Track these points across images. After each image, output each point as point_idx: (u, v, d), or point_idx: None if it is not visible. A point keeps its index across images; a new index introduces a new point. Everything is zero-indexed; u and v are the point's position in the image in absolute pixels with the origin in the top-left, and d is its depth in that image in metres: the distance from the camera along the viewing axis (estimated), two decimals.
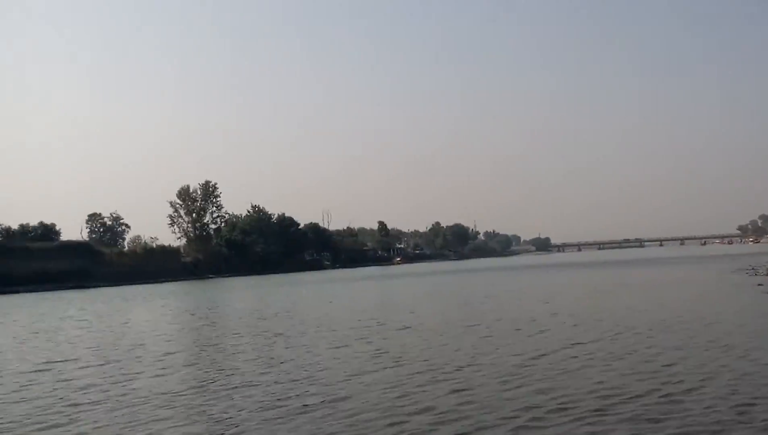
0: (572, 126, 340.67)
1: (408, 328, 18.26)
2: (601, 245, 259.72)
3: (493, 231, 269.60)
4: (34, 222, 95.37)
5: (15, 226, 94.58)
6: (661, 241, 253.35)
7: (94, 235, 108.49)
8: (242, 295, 43.32)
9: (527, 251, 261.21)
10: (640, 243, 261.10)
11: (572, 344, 13.52)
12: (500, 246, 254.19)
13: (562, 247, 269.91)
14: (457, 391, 9.49)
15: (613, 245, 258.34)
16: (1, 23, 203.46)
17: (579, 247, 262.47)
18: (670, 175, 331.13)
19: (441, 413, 8.27)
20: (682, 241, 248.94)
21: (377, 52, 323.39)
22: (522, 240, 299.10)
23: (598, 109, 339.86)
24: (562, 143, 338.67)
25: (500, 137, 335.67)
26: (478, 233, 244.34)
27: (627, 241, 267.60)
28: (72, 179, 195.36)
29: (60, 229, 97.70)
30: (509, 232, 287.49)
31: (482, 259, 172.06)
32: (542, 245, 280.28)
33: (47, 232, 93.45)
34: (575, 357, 11.95)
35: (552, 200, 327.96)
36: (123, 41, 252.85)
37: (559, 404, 8.41)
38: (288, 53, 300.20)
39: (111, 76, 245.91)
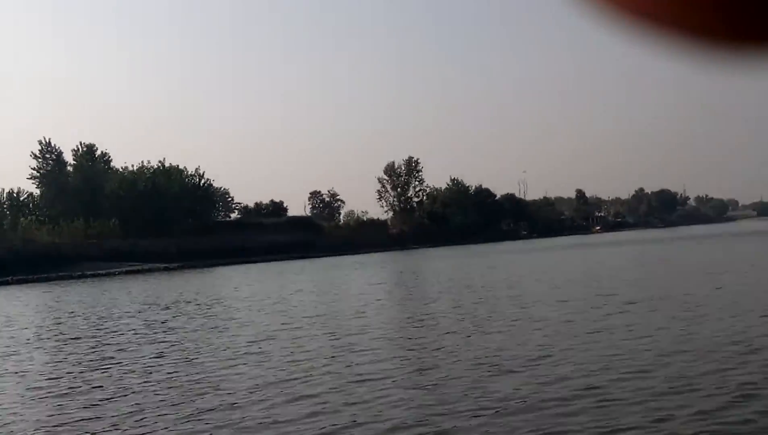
0: None
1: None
2: None
3: (706, 196, 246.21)
4: (266, 200, 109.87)
5: (251, 204, 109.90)
6: None
7: (315, 211, 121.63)
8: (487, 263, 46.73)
9: (747, 217, 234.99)
10: None
11: None
12: (714, 212, 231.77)
13: None
14: None
15: None
16: None
17: None
18: None
19: None
20: None
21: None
22: (740, 204, 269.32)
23: None
24: None
25: (711, 91, 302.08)
26: (687, 198, 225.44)
27: None
28: (298, 161, 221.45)
29: (287, 205, 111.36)
30: (725, 197, 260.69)
31: (693, 226, 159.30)
32: (765, 210, 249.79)
33: (277, 208, 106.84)
34: None
35: None
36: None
37: None
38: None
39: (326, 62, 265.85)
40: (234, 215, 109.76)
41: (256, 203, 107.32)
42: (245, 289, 34.35)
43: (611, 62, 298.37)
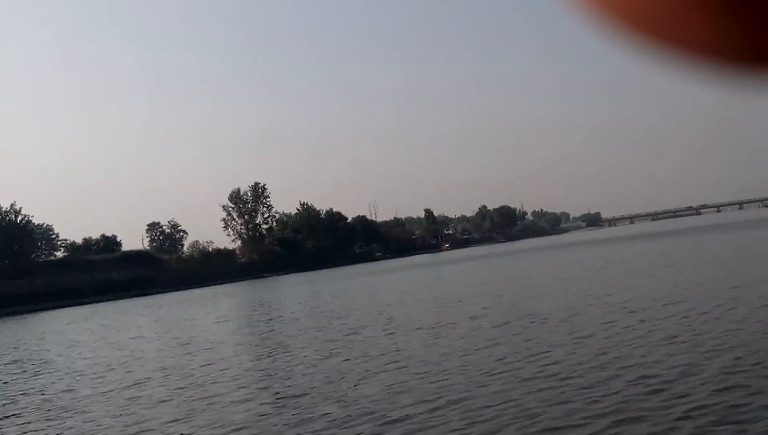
0: (617, 97, 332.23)
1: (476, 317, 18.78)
2: (654, 216, 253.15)
3: (541, 210, 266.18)
4: (96, 235, 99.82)
5: (79, 240, 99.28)
6: (718, 208, 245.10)
7: (154, 244, 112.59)
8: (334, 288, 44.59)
9: (578, 228, 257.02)
10: (696, 210, 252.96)
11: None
12: (549, 224, 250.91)
13: (613, 221, 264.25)
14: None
15: (668, 215, 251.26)
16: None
17: (631, 219, 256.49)
18: (724, 137, 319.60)
19: None
20: (741, 205, 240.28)
21: (417, 39, 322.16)
22: (571, 217, 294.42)
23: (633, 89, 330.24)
24: (610, 113, 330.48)
25: (542, 113, 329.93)
26: (525, 213, 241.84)
27: (682, 209, 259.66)
28: (131, 193, 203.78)
29: (121, 239, 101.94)
30: (558, 210, 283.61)
31: (531, 239, 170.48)
32: (593, 221, 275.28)
33: (109, 243, 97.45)
34: None
35: (600, 175, 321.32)
36: (162, 46, 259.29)
37: None
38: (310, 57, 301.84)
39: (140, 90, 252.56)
40: (59, 254, 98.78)
41: (85, 239, 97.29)
42: (74, 335, 29.68)
43: (450, 86, 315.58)
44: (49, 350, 23.17)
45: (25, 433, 9.99)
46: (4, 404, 12.86)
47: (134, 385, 12.98)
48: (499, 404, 8.07)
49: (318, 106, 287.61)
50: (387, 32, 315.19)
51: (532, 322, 14.84)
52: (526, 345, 11.95)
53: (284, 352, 14.99)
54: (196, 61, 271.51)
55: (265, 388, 11.14)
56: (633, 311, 14.52)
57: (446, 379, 9.72)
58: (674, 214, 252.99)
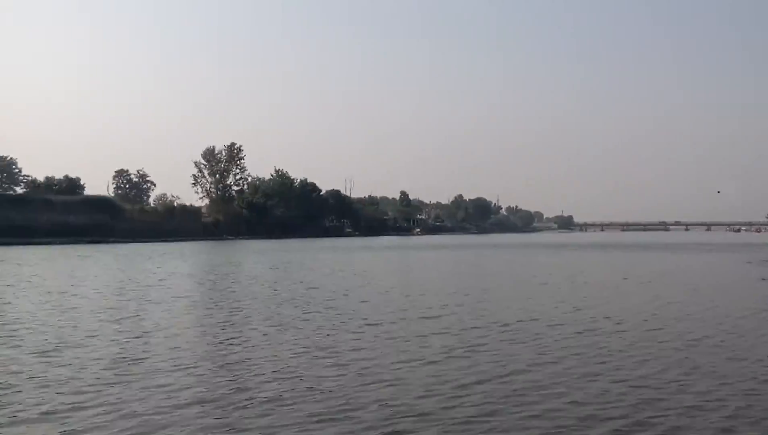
0: (603, 106, 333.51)
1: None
2: (624, 226, 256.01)
3: (516, 206, 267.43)
4: (59, 175, 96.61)
5: (41, 177, 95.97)
6: (686, 226, 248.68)
7: (120, 192, 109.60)
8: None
9: (549, 229, 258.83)
10: (665, 226, 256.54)
11: None
12: (522, 222, 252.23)
13: (584, 227, 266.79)
14: None
15: (638, 227, 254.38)
16: None
17: (602, 227, 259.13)
18: (700, 161, 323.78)
19: None
20: (709, 226, 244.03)
21: (411, 25, 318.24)
22: (544, 217, 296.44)
23: (631, 91, 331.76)
24: (590, 123, 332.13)
25: (529, 113, 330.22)
26: (500, 208, 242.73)
27: (652, 223, 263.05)
28: (102, 135, 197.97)
29: (84, 183, 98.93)
30: (531, 209, 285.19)
31: (503, 234, 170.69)
32: (565, 223, 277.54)
33: (72, 185, 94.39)
34: None
35: (576, 179, 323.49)
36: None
37: None
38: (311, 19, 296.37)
39: (142, 34, 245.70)
40: (19, 190, 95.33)
41: (47, 178, 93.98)
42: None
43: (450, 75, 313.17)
44: None
45: None
46: None
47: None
48: None
49: (312, 75, 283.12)
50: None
51: (470, 328, 13.75)
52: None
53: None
54: (191, 12, 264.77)
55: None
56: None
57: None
58: (644, 227, 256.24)
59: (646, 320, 14.41)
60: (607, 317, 14.75)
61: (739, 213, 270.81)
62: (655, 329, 13.05)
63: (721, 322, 14.20)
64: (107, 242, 75.16)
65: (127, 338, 11.97)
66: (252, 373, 9.07)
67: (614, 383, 8.58)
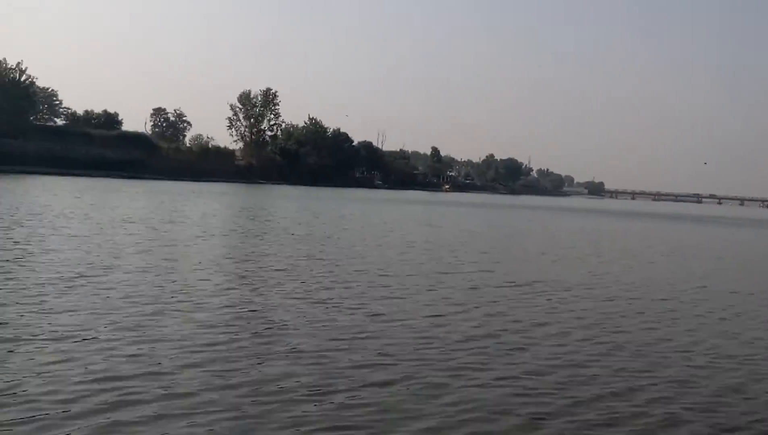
0: (647, 79, 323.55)
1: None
2: (656, 196, 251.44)
3: (547, 169, 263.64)
4: (98, 109, 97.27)
5: (81, 111, 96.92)
6: (719, 199, 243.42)
7: (156, 129, 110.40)
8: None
9: (579, 194, 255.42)
10: (698, 198, 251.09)
11: None
12: (552, 185, 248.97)
13: (615, 194, 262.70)
14: None
15: (669, 198, 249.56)
16: None
17: (633, 195, 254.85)
18: (739, 134, 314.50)
19: None
20: (742, 201, 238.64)
21: None
22: (575, 181, 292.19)
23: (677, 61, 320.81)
24: (633, 92, 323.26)
25: (574, 84, 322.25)
26: (531, 170, 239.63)
27: (684, 194, 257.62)
28: (143, 72, 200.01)
29: (122, 119, 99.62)
30: (563, 173, 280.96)
31: (533, 196, 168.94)
32: (595, 189, 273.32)
33: (110, 120, 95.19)
34: None
35: (610, 145, 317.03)
36: None
37: None
38: None
39: None
40: (59, 121, 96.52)
41: (86, 111, 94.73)
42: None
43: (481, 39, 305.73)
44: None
45: None
46: None
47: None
48: None
49: (354, 25, 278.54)
50: None
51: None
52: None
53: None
54: None
55: None
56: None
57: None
58: (676, 197, 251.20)
59: None
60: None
61: None
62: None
63: None
64: (141, 178, 76.25)
65: None
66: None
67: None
